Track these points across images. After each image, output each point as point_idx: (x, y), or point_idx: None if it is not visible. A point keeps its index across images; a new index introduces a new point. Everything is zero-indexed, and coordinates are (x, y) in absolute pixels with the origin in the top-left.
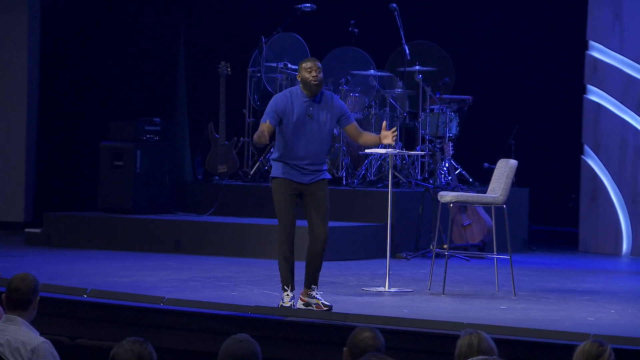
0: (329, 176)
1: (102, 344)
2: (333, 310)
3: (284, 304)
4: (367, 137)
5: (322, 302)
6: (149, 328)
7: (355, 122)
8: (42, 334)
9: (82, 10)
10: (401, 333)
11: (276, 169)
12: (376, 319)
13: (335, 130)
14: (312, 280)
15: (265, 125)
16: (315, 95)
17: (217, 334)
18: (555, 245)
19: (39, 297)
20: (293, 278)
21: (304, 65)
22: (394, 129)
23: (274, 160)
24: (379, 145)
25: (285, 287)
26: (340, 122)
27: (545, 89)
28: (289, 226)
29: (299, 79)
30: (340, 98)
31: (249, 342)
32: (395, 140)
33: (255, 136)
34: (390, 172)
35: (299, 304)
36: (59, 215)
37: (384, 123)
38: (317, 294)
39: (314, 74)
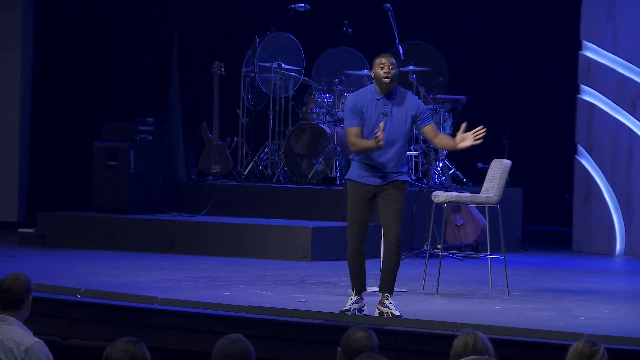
0: (405, 178)
1: (95, 344)
2: (326, 310)
3: (343, 308)
4: (444, 139)
5: (391, 312)
6: (143, 328)
7: (433, 123)
8: (35, 334)
9: (75, 10)
10: (395, 333)
11: (351, 170)
12: (370, 319)
13: (328, 130)
14: (383, 286)
15: (353, 130)
16: (388, 92)
17: (211, 334)
18: (548, 245)
19: (31, 297)
20: (359, 282)
21: (377, 61)
22: (478, 129)
23: (352, 159)
24: (456, 150)
25: (351, 292)
26: (417, 122)
27: (538, 89)
28: (357, 232)
29: (373, 75)
30: (334, 98)
31: (243, 342)
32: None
33: (351, 147)
34: None
35: (376, 312)
36: (53, 215)
37: (464, 125)
38: (390, 302)
39: (386, 69)
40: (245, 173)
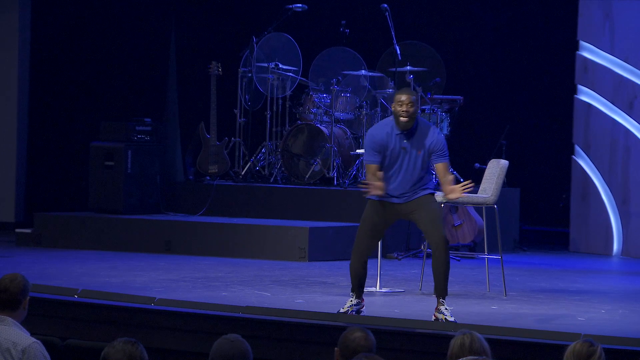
0: (431, 191)
1: (93, 345)
2: (324, 311)
3: (340, 310)
4: (443, 186)
5: (446, 317)
6: (140, 328)
7: (446, 162)
8: (32, 334)
9: (72, 10)
10: (392, 333)
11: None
12: (367, 319)
13: (326, 130)
14: (438, 290)
15: (371, 168)
16: (407, 129)
17: (208, 334)
18: (546, 246)
19: (28, 298)
20: (360, 289)
21: (396, 97)
22: (466, 183)
23: None
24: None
25: (351, 294)
26: (431, 157)
27: (536, 89)
28: (365, 246)
29: (392, 110)
30: (331, 98)
31: (240, 342)
32: (470, 190)
33: (369, 183)
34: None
35: (432, 318)
36: (50, 215)
37: (451, 177)
38: (445, 309)
39: (404, 108)
40: (243, 173)
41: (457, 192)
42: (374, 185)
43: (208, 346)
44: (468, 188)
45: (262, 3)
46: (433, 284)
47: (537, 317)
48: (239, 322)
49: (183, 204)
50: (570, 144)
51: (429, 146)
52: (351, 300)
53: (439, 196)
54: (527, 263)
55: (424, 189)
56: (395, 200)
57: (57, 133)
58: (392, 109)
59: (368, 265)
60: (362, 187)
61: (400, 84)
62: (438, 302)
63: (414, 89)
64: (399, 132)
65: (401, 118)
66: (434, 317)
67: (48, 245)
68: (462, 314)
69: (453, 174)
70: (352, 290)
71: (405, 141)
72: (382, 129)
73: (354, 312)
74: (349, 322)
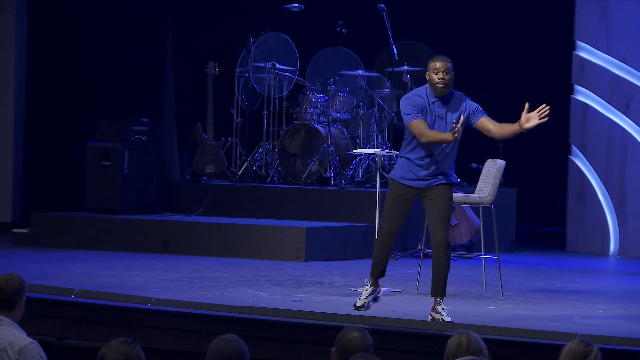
0: (452, 180)
1: (89, 345)
2: (320, 311)
3: (357, 304)
4: (505, 127)
5: (443, 317)
6: (137, 328)
7: (487, 116)
8: (29, 334)
9: (69, 9)
10: (389, 333)
11: (396, 170)
12: (364, 319)
13: (323, 130)
14: (435, 290)
15: (422, 123)
16: (442, 96)
17: (205, 334)
18: (542, 246)
19: (25, 298)
20: (380, 267)
21: (432, 65)
22: (542, 106)
23: (400, 156)
24: (523, 132)
25: (366, 282)
26: (471, 120)
27: (532, 89)
28: (389, 230)
29: (427, 78)
30: (328, 98)
31: (237, 342)
32: (546, 116)
33: (421, 138)
34: (378, 173)
35: (429, 318)
36: (47, 215)
37: (527, 105)
38: (442, 308)
39: (440, 75)
40: (240, 173)
41: (534, 118)
42: (443, 134)
43: (205, 346)
44: (545, 111)
45: (259, 3)
46: (430, 283)
47: (534, 317)
48: (235, 322)
49: (180, 204)
50: (567, 144)
51: (464, 109)
52: (366, 289)
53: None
54: (523, 263)
55: (448, 176)
56: (418, 183)
57: (54, 133)
58: (427, 77)
59: (365, 265)
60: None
61: (398, 84)
62: (435, 302)
63: (411, 89)
64: (434, 99)
65: (438, 86)
66: (430, 317)
67: (45, 245)
68: (459, 314)
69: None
70: (371, 275)
71: (440, 109)
72: (417, 96)
73: (371, 302)
74: (346, 322)
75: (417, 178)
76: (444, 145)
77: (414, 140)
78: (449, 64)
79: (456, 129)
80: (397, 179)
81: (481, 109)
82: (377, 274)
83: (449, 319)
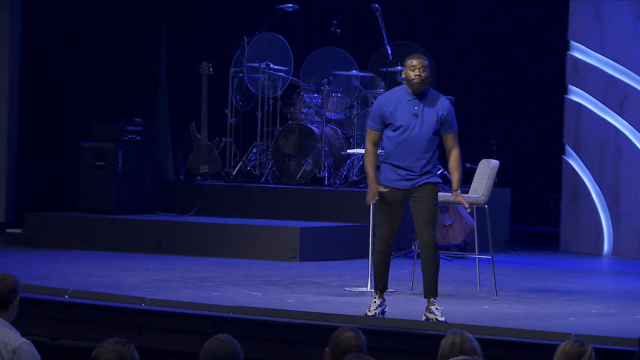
0: (437, 179)
1: (83, 345)
2: (314, 311)
3: (368, 312)
4: (452, 164)
5: (436, 318)
6: (131, 328)
7: (454, 134)
8: (23, 334)
9: (64, 9)
10: (383, 333)
11: (381, 175)
12: (358, 319)
13: (317, 130)
14: (427, 291)
15: (371, 134)
16: (419, 93)
17: (199, 334)
18: (536, 246)
19: (19, 298)
20: (383, 281)
21: (408, 62)
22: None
23: (382, 162)
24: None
25: (374, 294)
26: (442, 126)
27: (526, 89)
28: (384, 237)
29: (404, 76)
30: (323, 98)
31: (231, 342)
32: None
33: (365, 148)
34: None
35: (422, 319)
36: (40, 215)
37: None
38: (436, 308)
39: (417, 72)
40: (234, 173)
41: (461, 200)
42: (371, 191)
43: (199, 346)
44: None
45: (253, 3)
46: (423, 284)
47: (528, 317)
48: (229, 322)
49: (174, 204)
50: (560, 144)
51: (441, 114)
52: (375, 301)
53: (446, 196)
54: (517, 263)
55: (432, 175)
56: (403, 184)
57: (48, 133)
58: (404, 75)
59: (359, 266)
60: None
61: (392, 84)
62: (429, 302)
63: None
64: (410, 97)
65: (414, 82)
66: (424, 317)
67: (39, 246)
68: (453, 314)
69: (442, 172)
70: (375, 289)
71: (416, 107)
72: (392, 95)
73: (380, 315)
74: (340, 322)
75: (400, 178)
76: (422, 147)
77: (390, 145)
78: (425, 62)
79: (371, 201)
80: (384, 183)
81: (455, 123)
82: (382, 287)
83: (442, 319)
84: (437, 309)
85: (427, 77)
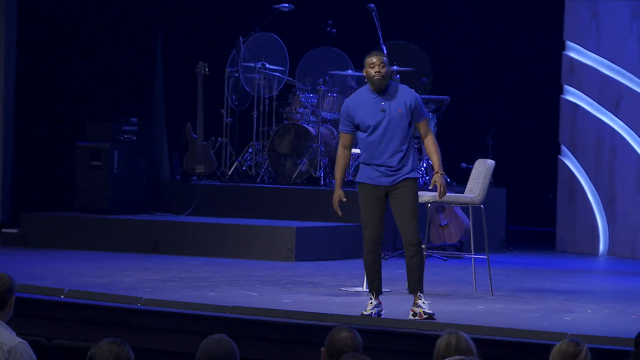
0: (416, 175)
1: (79, 345)
2: (310, 310)
3: (364, 312)
4: (429, 149)
5: (424, 311)
6: (127, 328)
7: (425, 121)
8: (19, 334)
9: (59, 9)
10: (379, 333)
11: (361, 173)
12: (354, 319)
13: (312, 130)
14: (412, 288)
15: (343, 137)
16: (382, 89)
17: (195, 334)
18: (532, 245)
19: (14, 298)
20: (376, 285)
21: (367, 60)
22: (442, 192)
23: (361, 162)
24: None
25: (370, 295)
26: (413, 116)
27: (522, 89)
28: (372, 239)
29: (365, 74)
30: (318, 98)
31: (227, 342)
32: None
33: (337, 153)
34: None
35: (410, 315)
36: (36, 215)
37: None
38: (423, 302)
39: (376, 69)
40: (229, 173)
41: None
42: (335, 196)
43: (195, 346)
44: (441, 194)
45: (249, 3)
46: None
47: (524, 317)
48: (225, 322)
49: (170, 204)
50: (556, 143)
51: (408, 104)
52: (371, 302)
53: (425, 196)
54: (513, 263)
55: (410, 170)
56: (383, 181)
57: (44, 133)
58: (365, 73)
59: (354, 265)
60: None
61: None
62: (415, 297)
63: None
64: (375, 95)
65: (375, 79)
66: (411, 313)
67: (34, 246)
68: (449, 314)
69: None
70: (370, 291)
71: (382, 103)
72: (357, 97)
73: (376, 315)
74: (336, 322)
75: (380, 175)
76: (395, 141)
77: (365, 146)
78: (385, 59)
79: (335, 206)
80: (364, 181)
81: (425, 110)
82: (377, 290)
83: (430, 312)
84: (424, 302)
85: (387, 72)
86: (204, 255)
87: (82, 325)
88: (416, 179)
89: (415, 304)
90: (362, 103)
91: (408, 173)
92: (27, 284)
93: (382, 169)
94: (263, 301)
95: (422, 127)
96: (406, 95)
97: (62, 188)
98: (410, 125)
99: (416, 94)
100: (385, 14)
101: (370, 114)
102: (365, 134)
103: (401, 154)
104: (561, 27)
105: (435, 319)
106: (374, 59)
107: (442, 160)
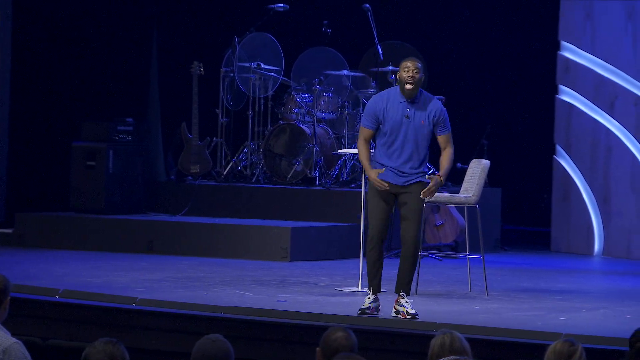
0: (425, 180)
1: (74, 345)
2: (306, 310)
3: (362, 306)
4: (443, 162)
5: (407, 310)
6: (122, 328)
7: (447, 135)
8: (13, 334)
9: (54, 9)
10: (374, 333)
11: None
12: (349, 319)
13: (308, 130)
14: (399, 285)
15: (364, 132)
16: (411, 97)
17: (190, 334)
18: (527, 245)
19: (9, 298)
20: (375, 282)
21: (402, 64)
22: (432, 190)
23: (375, 160)
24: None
25: (368, 290)
26: (435, 128)
27: (517, 89)
28: (377, 233)
29: (397, 77)
30: (314, 98)
31: (222, 342)
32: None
33: (358, 146)
34: (363, 172)
35: (392, 312)
36: (31, 215)
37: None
38: (406, 301)
39: (410, 73)
40: (225, 173)
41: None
42: (372, 177)
43: (190, 346)
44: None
45: (244, 3)
46: (417, 284)
47: (519, 317)
48: (220, 322)
49: (165, 204)
50: (551, 143)
51: (433, 117)
52: (369, 297)
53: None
54: (508, 263)
55: (421, 175)
56: (395, 180)
57: (39, 133)
58: (398, 76)
59: (350, 265)
60: (377, 184)
61: (382, 84)
62: (399, 295)
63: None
64: (402, 100)
65: (407, 85)
66: (394, 310)
67: (29, 246)
68: (444, 314)
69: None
70: (369, 287)
71: (408, 110)
72: (385, 95)
73: (374, 308)
74: (331, 322)
75: (393, 174)
76: (411, 150)
77: (380, 147)
78: (419, 64)
79: (379, 184)
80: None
81: (448, 124)
82: (376, 286)
83: (413, 312)
84: (407, 302)
85: (419, 79)
86: (199, 255)
87: (77, 325)
88: (426, 183)
89: (398, 302)
90: (390, 105)
91: (420, 177)
92: (22, 284)
93: (395, 171)
94: (258, 301)
95: (442, 140)
96: (432, 107)
97: (57, 188)
98: (429, 137)
99: (443, 107)
100: (380, 14)
101: (394, 118)
102: (385, 136)
103: (414, 162)
104: (556, 27)
105: (418, 319)
106: (409, 64)
107: (449, 173)
